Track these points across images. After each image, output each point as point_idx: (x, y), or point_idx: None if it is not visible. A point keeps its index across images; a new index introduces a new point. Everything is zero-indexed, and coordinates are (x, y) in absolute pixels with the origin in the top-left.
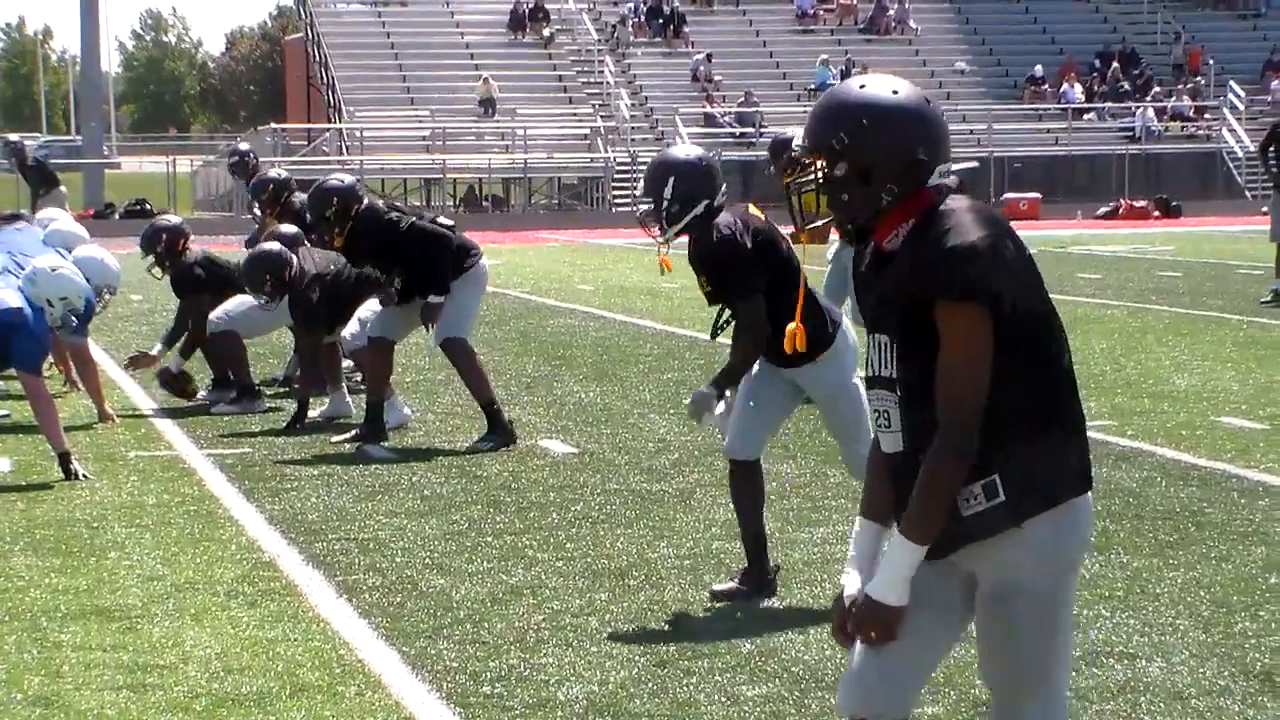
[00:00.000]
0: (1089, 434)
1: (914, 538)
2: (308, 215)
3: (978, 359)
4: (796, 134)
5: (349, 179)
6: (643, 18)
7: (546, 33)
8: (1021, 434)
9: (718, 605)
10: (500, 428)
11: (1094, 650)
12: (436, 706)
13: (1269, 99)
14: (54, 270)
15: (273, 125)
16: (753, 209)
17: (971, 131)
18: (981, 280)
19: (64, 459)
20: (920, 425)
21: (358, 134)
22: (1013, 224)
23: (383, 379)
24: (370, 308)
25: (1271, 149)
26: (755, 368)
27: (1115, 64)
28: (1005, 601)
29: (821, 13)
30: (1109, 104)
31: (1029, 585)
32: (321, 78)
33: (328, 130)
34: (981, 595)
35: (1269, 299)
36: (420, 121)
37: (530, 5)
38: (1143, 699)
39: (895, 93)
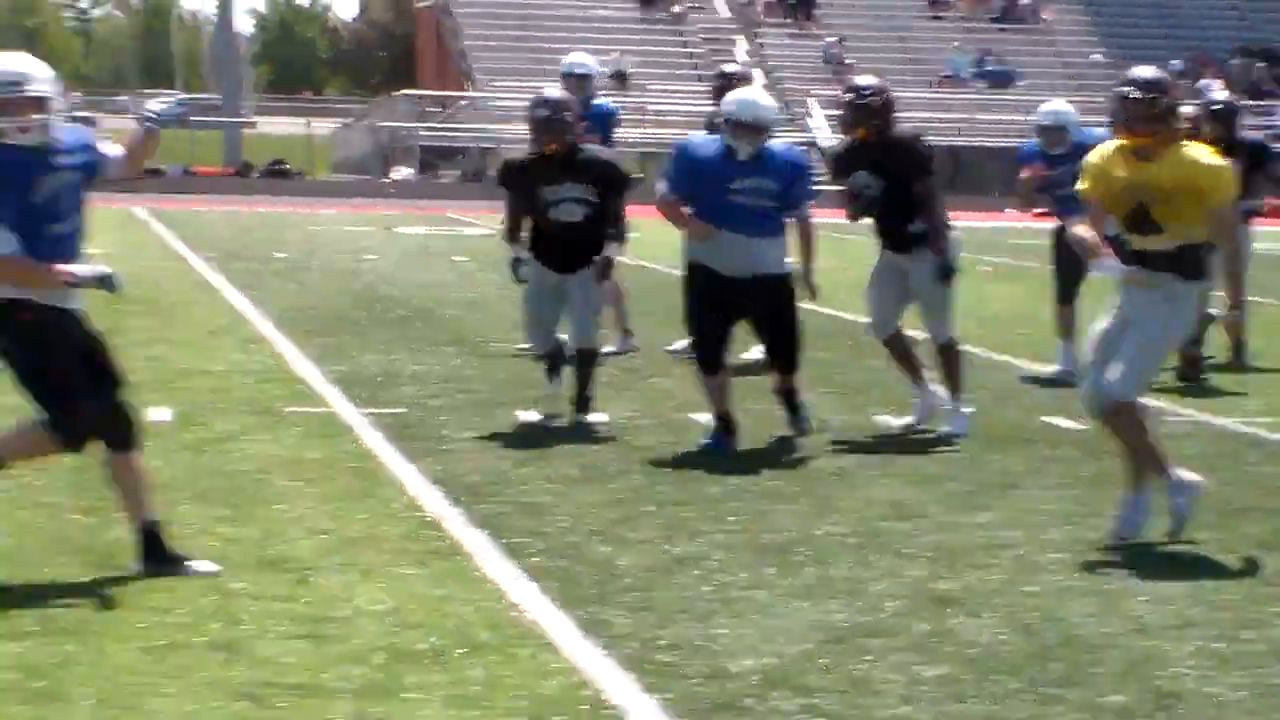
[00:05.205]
0: None
1: None
2: None
3: None
4: None
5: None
6: None
7: (677, 9)
8: None
9: (883, 586)
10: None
11: None
12: (613, 672)
13: None
14: None
15: (404, 92)
16: None
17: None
18: None
19: None
20: None
21: (489, 103)
22: None
23: None
24: None
25: None
26: None
27: None
28: None
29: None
30: None
31: None
32: (452, 46)
33: (463, 98)
34: None
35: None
36: None
37: None
38: None
39: None
